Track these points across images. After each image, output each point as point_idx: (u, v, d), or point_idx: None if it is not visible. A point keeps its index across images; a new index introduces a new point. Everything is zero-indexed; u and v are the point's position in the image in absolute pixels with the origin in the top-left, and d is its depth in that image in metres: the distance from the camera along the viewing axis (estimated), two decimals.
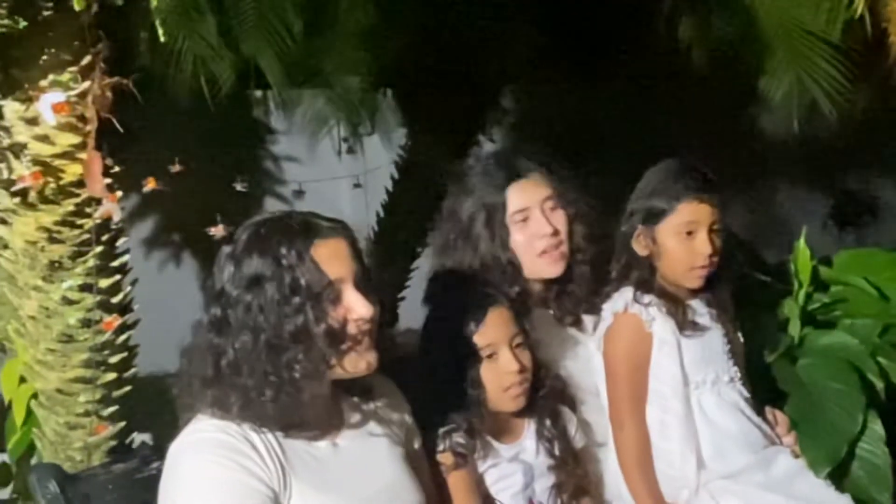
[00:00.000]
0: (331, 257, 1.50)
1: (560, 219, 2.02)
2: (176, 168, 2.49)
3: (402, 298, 3.69)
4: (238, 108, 3.46)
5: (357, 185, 3.95)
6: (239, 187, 2.86)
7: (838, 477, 2.05)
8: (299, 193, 4.04)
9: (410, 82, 3.72)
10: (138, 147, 2.39)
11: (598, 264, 2.06)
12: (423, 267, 3.76)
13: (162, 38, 1.87)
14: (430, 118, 3.87)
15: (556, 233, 2.00)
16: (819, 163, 5.98)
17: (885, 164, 6.52)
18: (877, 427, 2.09)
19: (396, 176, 4.06)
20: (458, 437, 1.80)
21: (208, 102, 2.97)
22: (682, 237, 1.94)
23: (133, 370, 2.38)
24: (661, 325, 1.95)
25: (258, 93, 4.02)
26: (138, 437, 2.65)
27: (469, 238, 2.02)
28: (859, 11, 2.34)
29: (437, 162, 3.30)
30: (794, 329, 2.29)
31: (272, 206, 4.08)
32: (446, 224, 2.07)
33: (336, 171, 4.16)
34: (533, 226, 2.00)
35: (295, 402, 1.48)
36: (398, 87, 3.87)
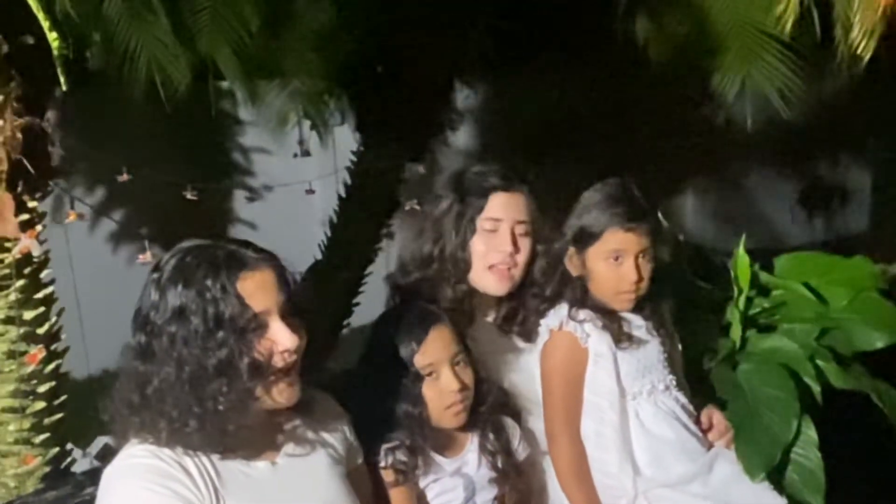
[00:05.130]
0: (257, 289, 1.50)
1: (525, 245, 2.04)
2: (124, 177, 2.50)
3: (358, 304, 3.71)
4: (195, 111, 3.45)
5: (309, 192, 3.94)
6: (189, 196, 2.84)
7: (774, 481, 2.08)
8: (255, 199, 4.04)
9: (364, 85, 3.72)
10: (83, 160, 2.39)
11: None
12: (378, 272, 3.79)
13: (63, 87, 1.84)
14: (384, 121, 3.87)
15: (514, 253, 2.02)
16: (785, 151, 6.02)
17: (851, 150, 6.58)
18: (811, 432, 2.14)
19: (349, 181, 4.06)
20: (400, 454, 1.82)
21: (164, 106, 2.97)
22: (610, 263, 1.97)
23: (63, 397, 2.38)
24: (596, 340, 1.98)
25: (223, 84, 4.00)
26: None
27: (437, 226, 2.05)
28: (790, 23, 2.35)
29: (391, 167, 3.32)
30: (736, 334, 2.32)
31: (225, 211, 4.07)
32: (426, 210, 2.11)
33: (298, 175, 4.15)
34: (497, 239, 2.02)
35: (220, 432, 1.49)
36: (352, 89, 3.87)
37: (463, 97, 4.19)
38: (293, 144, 4.24)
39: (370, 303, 3.36)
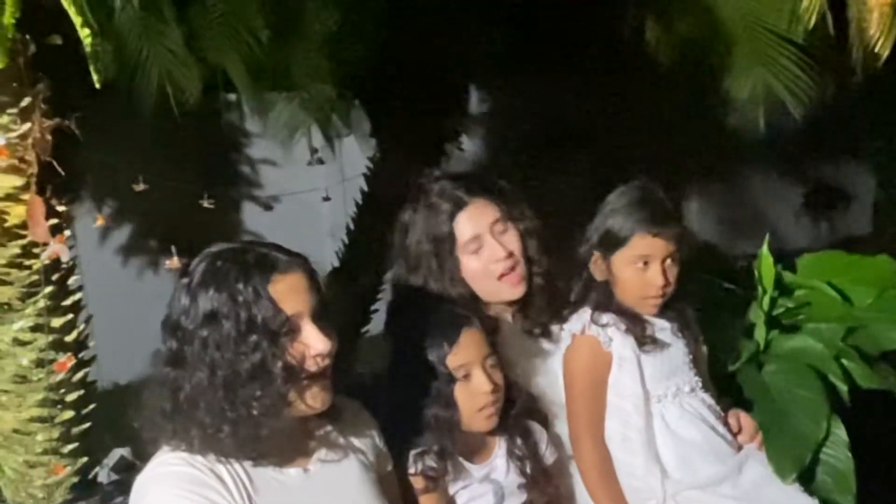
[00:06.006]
0: (288, 292, 1.49)
1: (512, 239, 2.01)
2: (140, 187, 2.49)
3: (376, 311, 3.69)
4: (205, 121, 3.44)
5: (326, 199, 3.93)
6: (206, 204, 2.83)
7: (804, 482, 2.07)
8: (269, 207, 4.04)
9: (377, 91, 3.72)
10: (99, 168, 2.38)
11: (557, 272, 2.06)
12: None
13: (97, 84, 1.83)
14: (398, 127, 3.87)
15: (510, 255, 1.99)
16: (789, 155, 6.03)
17: (855, 152, 6.59)
18: (840, 432, 2.12)
19: (366, 188, 4.05)
20: (430, 460, 1.80)
21: (174, 115, 2.97)
22: (636, 268, 1.95)
23: (92, 406, 2.36)
24: (620, 344, 1.96)
25: (231, 96, 4.00)
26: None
27: (418, 272, 1.98)
28: (813, 19, 2.35)
29: (405, 173, 3.29)
30: (760, 335, 2.31)
31: (233, 222, 4.07)
32: (397, 257, 2.03)
33: (306, 184, 4.16)
34: (487, 252, 1.99)
35: (254, 438, 1.48)
36: (366, 96, 3.87)
37: (476, 102, 4.19)
38: (301, 154, 4.23)
39: None
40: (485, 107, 4.38)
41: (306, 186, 4.21)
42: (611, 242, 1.96)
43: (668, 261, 1.95)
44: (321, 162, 4.01)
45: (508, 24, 3.64)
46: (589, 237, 2.00)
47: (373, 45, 3.35)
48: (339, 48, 3.26)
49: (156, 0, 2.87)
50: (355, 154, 4.28)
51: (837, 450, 2.11)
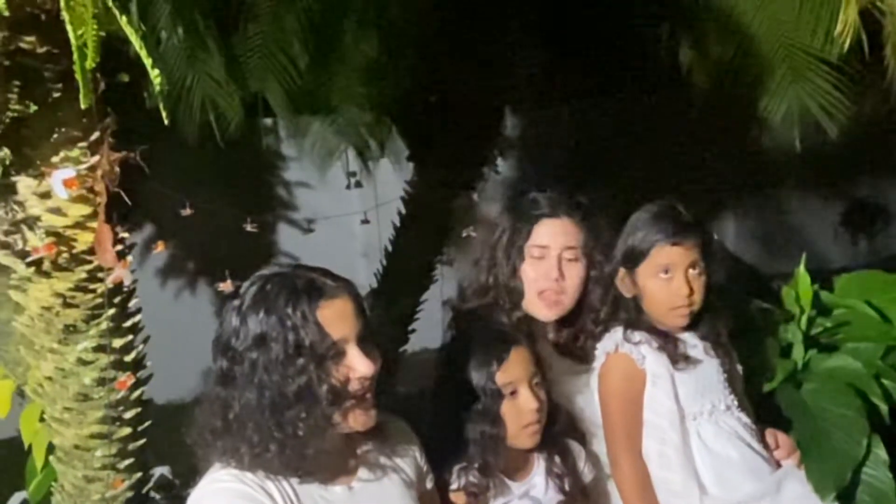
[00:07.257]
0: (335, 318, 1.52)
1: (574, 271, 2.05)
2: (187, 212, 2.58)
3: (413, 331, 3.72)
4: (246, 146, 3.52)
5: (365, 222, 3.99)
6: (249, 228, 2.90)
7: (844, 502, 2.06)
8: (309, 231, 4.10)
9: (415, 116, 3.78)
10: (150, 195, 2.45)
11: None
12: (432, 299, 3.83)
13: (165, 121, 1.92)
14: (435, 151, 3.91)
15: (560, 280, 2.04)
16: (828, 172, 5.98)
17: (893, 171, 6.52)
18: (880, 451, 2.11)
19: (404, 211, 4.10)
20: (472, 476, 1.83)
21: (216, 141, 3.05)
22: (660, 279, 1.99)
23: (147, 423, 2.43)
24: (653, 361, 1.99)
25: (268, 121, 4.08)
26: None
27: (491, 254, 2.08)
28: (847, 42, 2.37)
29: (443, 196, 3.35)
30: (798, 354, 2.31)
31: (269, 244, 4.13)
32: (480, 239, 2.15)
33: (342, 208, 4.22)
34: (544, 266, 2.04)
35: (299, 457, 1.52)
36: (403, 120, 3.92)
37: (512, 125, 4.23)
38: (336, 178, 4.30)
39: (426, 330, 3.39)
40: (521, 130, 4.41)
41: (342, 210, 4.26)
42: (634, 257, 2.00)
43: (692, 270, 1.98)
44: (359, 185, 4.07)
45: (544, 49, 3.68)
46: (615, 255, 2.04)
47: (410, 70, 3.41)
48: (378, 74, 3.33)
49: (199, 29, 2.96)
50: (389, 178, 4.34)
51: (878, 469, 2.10)
